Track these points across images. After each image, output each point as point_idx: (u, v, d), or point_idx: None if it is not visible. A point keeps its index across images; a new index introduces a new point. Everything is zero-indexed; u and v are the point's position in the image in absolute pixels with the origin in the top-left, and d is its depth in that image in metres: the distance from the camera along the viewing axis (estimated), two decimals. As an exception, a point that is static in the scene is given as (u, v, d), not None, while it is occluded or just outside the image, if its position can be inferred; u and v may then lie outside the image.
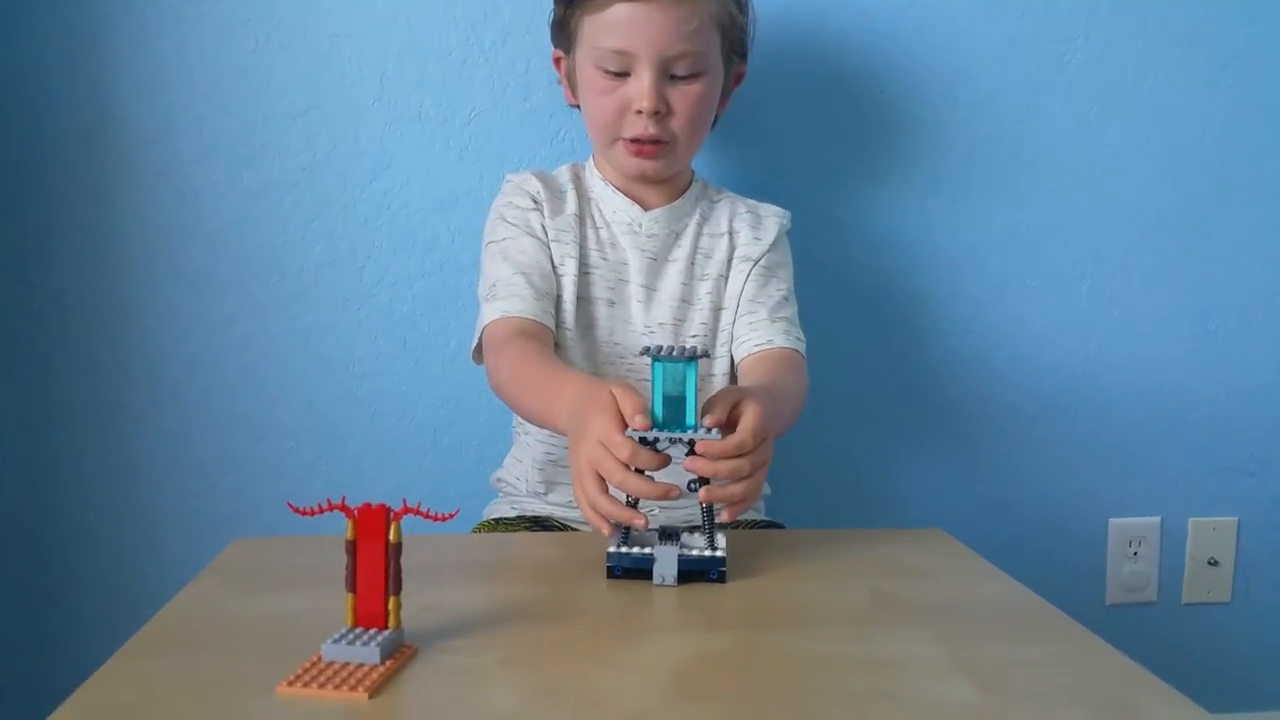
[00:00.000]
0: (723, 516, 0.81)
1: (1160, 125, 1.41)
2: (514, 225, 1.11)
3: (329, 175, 1.31)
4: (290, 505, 0.64)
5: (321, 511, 0.62)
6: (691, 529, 0.84)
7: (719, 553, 0.80)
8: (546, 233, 1.11)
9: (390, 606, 0.63)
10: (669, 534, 0.83)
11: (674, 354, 0.78)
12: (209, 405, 1.33)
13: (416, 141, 1.32)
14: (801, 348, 1.11)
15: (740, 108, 1.27)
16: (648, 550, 0.79)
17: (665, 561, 0.78)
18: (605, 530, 0.80)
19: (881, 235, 1.40)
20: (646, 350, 0.78)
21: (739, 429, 0.79)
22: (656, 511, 1.10)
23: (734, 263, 1.14)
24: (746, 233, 1.15)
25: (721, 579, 0.79)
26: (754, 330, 1.10)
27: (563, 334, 1.10)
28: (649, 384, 0.79)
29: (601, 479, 0.79)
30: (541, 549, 0.90)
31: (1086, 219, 1.42)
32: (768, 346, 1.09)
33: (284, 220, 1.31)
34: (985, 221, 1.41)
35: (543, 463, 1.11)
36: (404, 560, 0.64)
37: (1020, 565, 0.86)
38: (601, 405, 0.79)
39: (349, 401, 1.35)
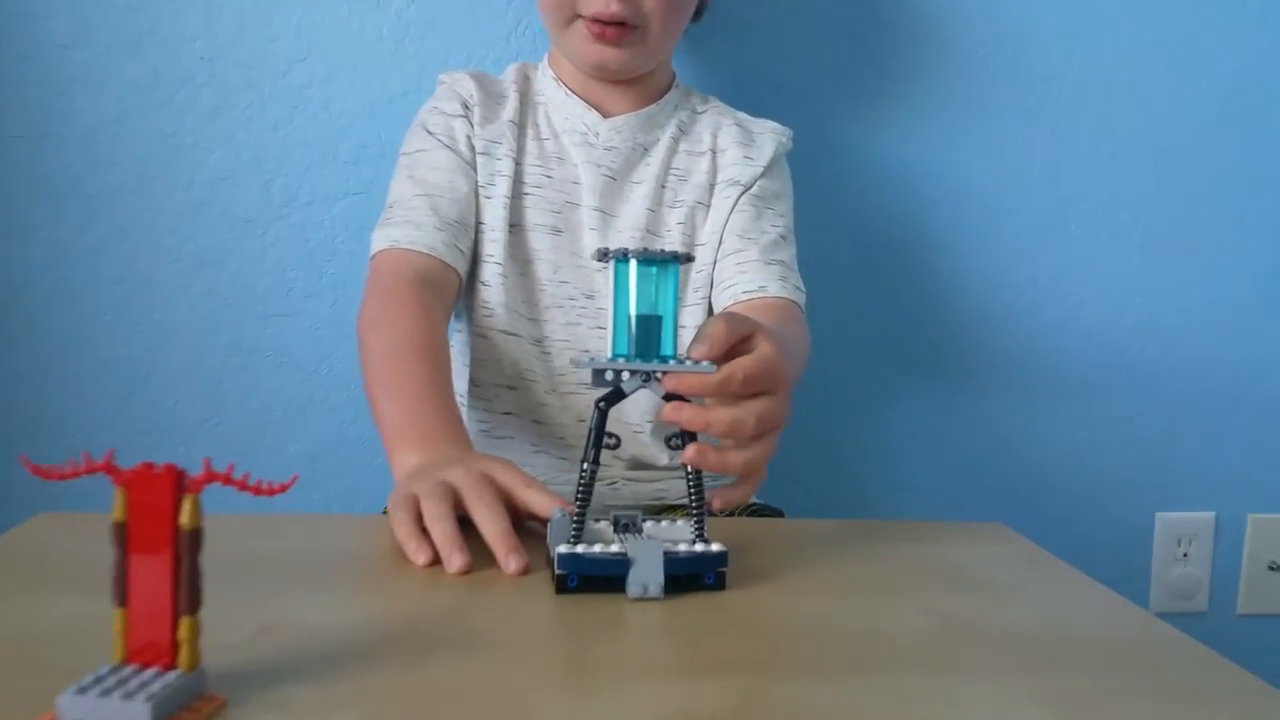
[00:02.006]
0: (714, 504, 0.58)
1: (1229, 47, 1.19)
2: (432, 135, 0.89)
3: (231, 67, 1.07)
4: (26, 461, 0.40)
5: (74, 474, 0.38)
6: (659, 514, 0.60)
7: (716, 547, 0.56)
8: (473, 146, 0.88)
9: (181, 634, 0.38)
10: (625, 524, 0.59)
11: (644, 255, 0.54)
12: (75, 347, 1.09)
13: (342, 27, 1.08)
14: (801, 300, 0.89)
15: (727, 2, 1.04)
16: (615, 548, 0.55)
17: (646, 563, 0.54)
18: (421, 558, 0.57)
19: (898, 167, 1.17)
20: (604, 253, 0.55)
21: (735, 363, 0.55)
22: (619, 485, 0.87)
23: (718, 189, 0.92)
24: (734, 151, 0.92)
25: (720, 584, 0.56)
26: (741, 273, 0.88)
27: (489, 271, 0.87)
28: (605, 319, 0.55)
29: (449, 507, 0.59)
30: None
31: (1142, 157, 1.21)
32: (758, 295, 0.86)
33: (174, 121, 1.07)
34: (1024, 155, 1.19)
35: (473, 434, 0.88)
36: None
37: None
38: (497, 460, 0.65)
39: (250, 348, 1.10)
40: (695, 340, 0.55)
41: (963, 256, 1.19)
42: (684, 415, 0.54)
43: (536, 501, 0.61)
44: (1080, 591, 0.60)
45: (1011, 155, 1.18)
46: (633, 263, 0.54)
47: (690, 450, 0.55)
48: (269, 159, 1.08)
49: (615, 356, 0.54)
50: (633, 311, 0.54)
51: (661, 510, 0.91)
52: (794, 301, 0.88)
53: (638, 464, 0.91)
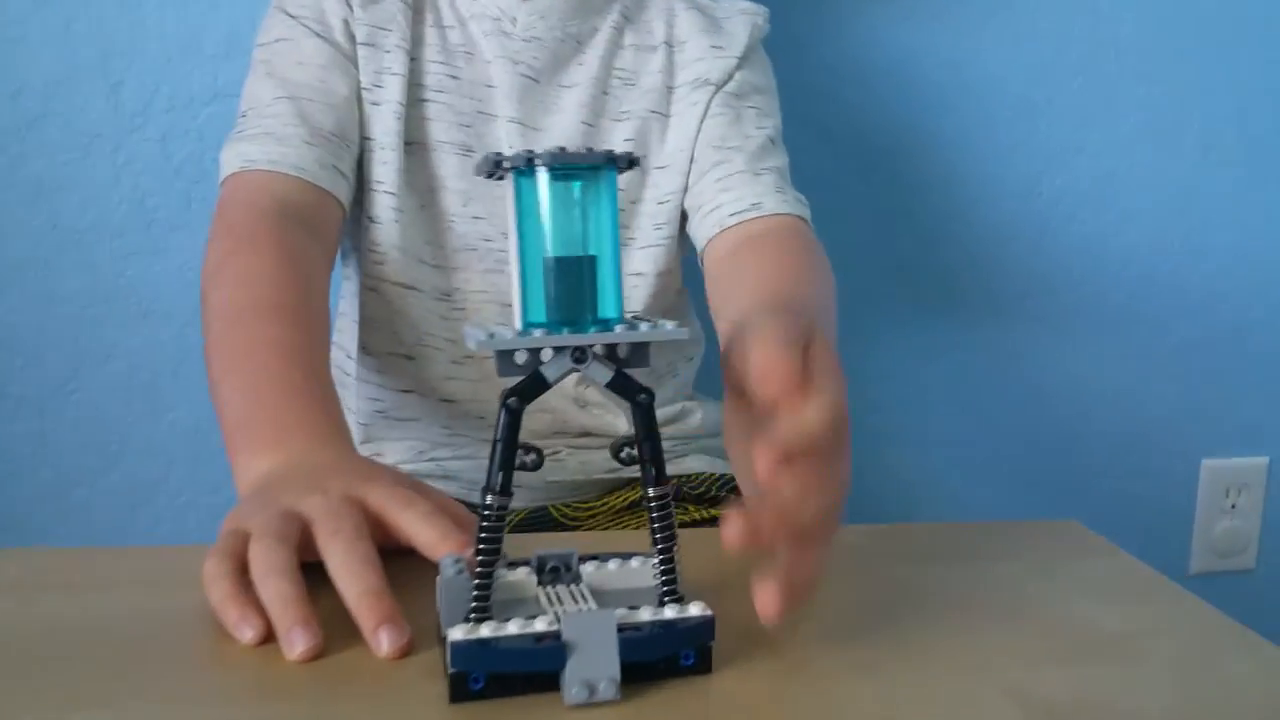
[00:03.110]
0: (765, 609, 0.36)
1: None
2: (295, 19, 0.67)
3: (56, -67, 0.83)
4: None
5: None
6: (601, 555, 0.40)
7: (695, 610, 0.37)
8: (353, 34, 0.67)
9: None
10: (554, 570, 0.39)
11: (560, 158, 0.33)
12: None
13: (195, -125, 0.84)
14: (807, 214, 0.69)
15: None
16: (540, 624, 0.35)
17: (592, 647, 0.34)
18: (246, 633, 0.38)
19: (904, 52, 0.97)
20: (496, 164, 0.34)
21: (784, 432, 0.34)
22: (562, 454, 0.69)
23: (679, 93, 0.71)
24: (699, 42, 0.71)
25: (705, 664, 0.37)
26: (725, 191, 0.68)
27: (381, 203, 0.66)
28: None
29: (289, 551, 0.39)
30: (309, 598, 0.41)
31: (1198, 41, 1.02)
32: (752, 214, 0.66)
33: (-11, 7, 0.84)
34: (1059, 38, 0.99)
35: (367, 415, 0.68)
36: None
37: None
38: (378, 470, 0.46)
39: (108, 294, 0.89)
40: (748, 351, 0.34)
41: (985, 161, 0.99)
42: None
43: (421, 534, 0.41)
44: (1224, 637, 0.42)
45: (1044, 38, 0.98)
46: (542, 174, 0.33)
47: (732, 526, 0.33)
48: (115, 55, 0.85)
49: (528, 327, 0.34)
50: (549, 252, 0.33)
51: (616, 490, 0.72)
52: (800, 218, 0.68)
53: (585, 432, 0.71)
